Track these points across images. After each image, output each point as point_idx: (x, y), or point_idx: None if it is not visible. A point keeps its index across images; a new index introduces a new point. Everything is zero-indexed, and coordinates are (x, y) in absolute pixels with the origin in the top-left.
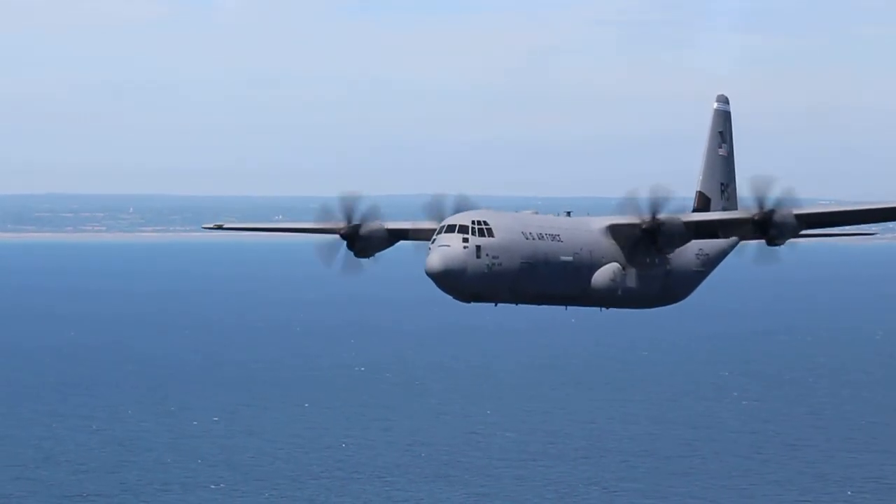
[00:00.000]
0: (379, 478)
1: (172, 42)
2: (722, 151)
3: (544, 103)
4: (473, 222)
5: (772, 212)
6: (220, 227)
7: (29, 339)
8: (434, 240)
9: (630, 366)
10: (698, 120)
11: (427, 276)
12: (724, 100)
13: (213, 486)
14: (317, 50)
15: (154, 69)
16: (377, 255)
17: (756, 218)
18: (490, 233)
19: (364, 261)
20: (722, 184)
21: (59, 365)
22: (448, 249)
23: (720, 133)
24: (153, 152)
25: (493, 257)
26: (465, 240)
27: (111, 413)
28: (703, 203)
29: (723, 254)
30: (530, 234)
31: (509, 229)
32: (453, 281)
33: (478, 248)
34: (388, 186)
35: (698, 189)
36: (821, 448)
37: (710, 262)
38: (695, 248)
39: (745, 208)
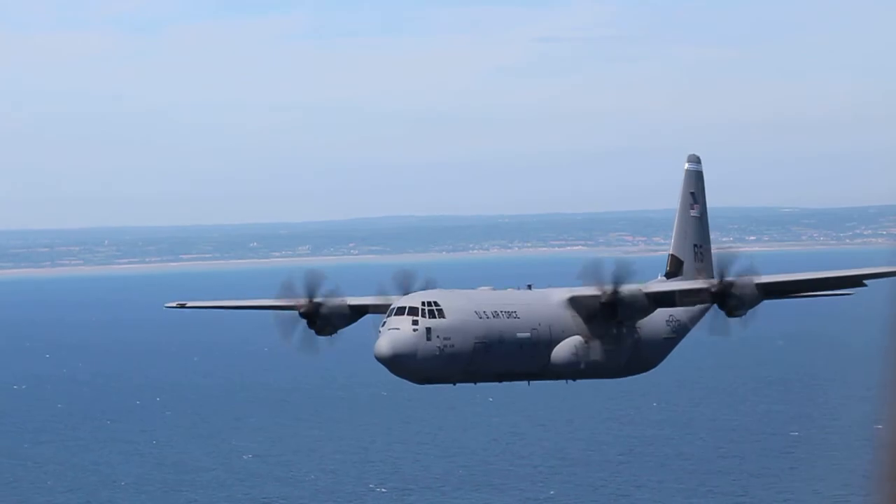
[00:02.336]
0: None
1: (129, 71)
2: (694, 212)
3: (495, 123)
4: (423, 303)
5: (730, 283)
6: (182, 306)
7: (41, 369)
8: (384, 322)
9: None
10: (653, 136)
11: (377, 361)
12: (695, 159)
13: (282, 502)
14: (272, 75)
15: (114, 99)
16: (339, 332)
17: (713, 290)
18: (441, 314)
19: (325, 338)
20: (695, 245)
21: (84, 393)
22: (397, 333)
23: (692, 194)
24: (121, 184)
25: (445, 339)
26: (415, 322)
27: (149, 437)
28: (675, 266)
29: (695, 319)
30: (484, 312)
31: (461, 309)
32: (403, 365)
33: (428, 330)
34: (359, 209)
35: (671, 252)
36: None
37: (682, 328)
38: (665, 314)
39: (707, 279)
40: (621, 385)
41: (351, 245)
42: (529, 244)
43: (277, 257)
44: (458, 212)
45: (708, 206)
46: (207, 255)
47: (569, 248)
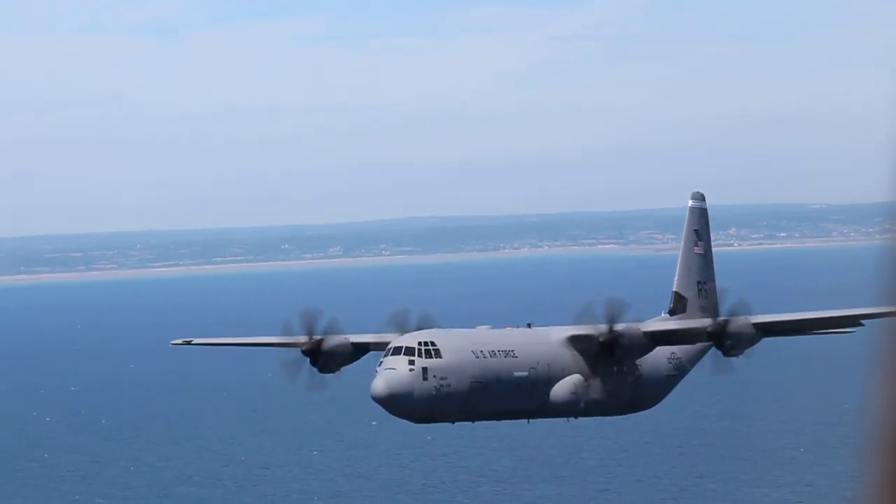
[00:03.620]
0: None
1: (154, 76)
2: (698, 249)
3: (518, 122)
4: (420, 343)
5: (726, 323)
6: (188, 343)
7: (95, 371)
8: (381, 362)
9: None
10: (679, 131)
11: (373, 401)
12: (699, 197)
13: (352, 495)
14: (295, 78)
15: (142, 103)
16: (342, 369)
17: (709, 329)
18: (437, 354)
19: (328, 376)
20: (699, 282)
21: (145, 393)
22: (393, 373)
23: (696, 231)
24: (150, 188)
25: (441, 378)
26: (411, 362)
27: (216, 434)
28: (679, 303)
29: (697, 357)
30: (481, 352)
31: (458, 349)
32: (399, 405)
33: (424, 370)
34: (385, 210)
35: (674, 289)
36: None
37: (684, 366)
38: (666, 351)
39: (710, 316)
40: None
41: (382, 246)
42: (559, 243)
43: (309, 259)
44: (484, 212)
45: (737, 202)
46: (239, 258)
47: (599, 246)
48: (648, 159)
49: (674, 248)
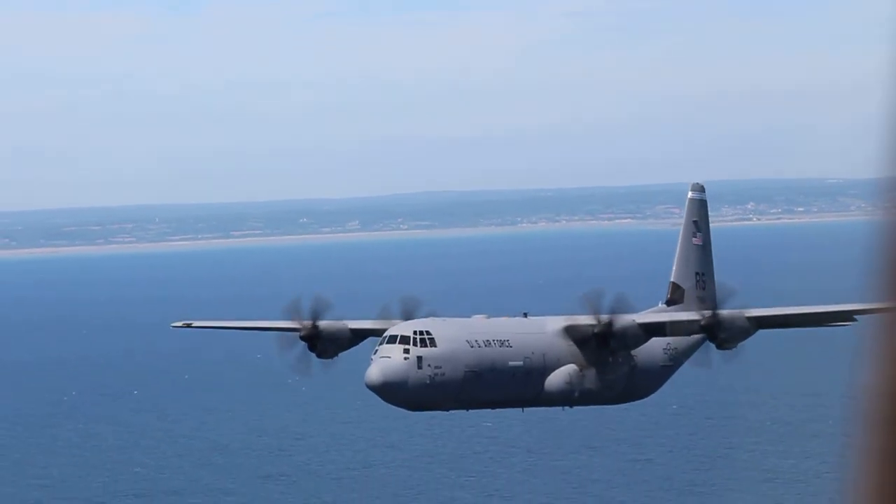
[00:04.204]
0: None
1: (170, 50)
2: (697, 240)
3: (534, 96)
4: (415, 332)
5: (719, 316)
6: (188, 326)
7: (123, 344)
8: (376, 350)
9: None
10: (696, 105)
11: (367, 389)
12: (699, 188)
13: (386, 464)
14: (312, 52)
15: (158, 77)
16: (340, 354)
17: (703, 323)
18: (432, 343)
19: (326, 361)
20: (697, 273)
21: (171, 367)
22: (388, 361)
23: (695, 222)
24: (167, 161)
25: (436, 368)
26: (406, 351)
27: (241, 406)
28: (676, 293)
29: (693, 347)
30: (476, 341)
31: (453, 339)
32: (394, 393)
33: (419, 358)
34: (401, 184)
35: (672, 279)
36: None
37: (679, 357)
38: (662, 342)
39: (708, 307)
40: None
41: (399, 220)
42: (577, 218)
43: (327, 233)
44: (501, 186)
45: (756, 177)
46: (258, 232)
47: (617, 221)
48: (665, 134)
49: None
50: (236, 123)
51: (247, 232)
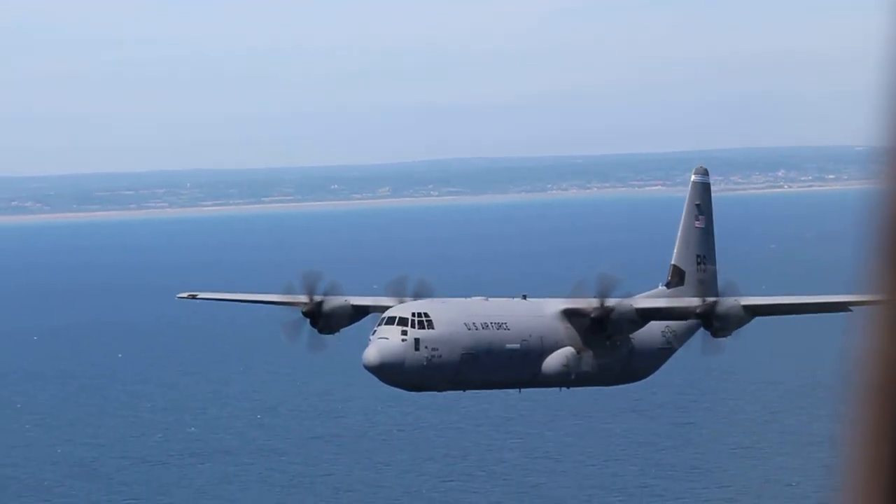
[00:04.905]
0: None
1: (203, 15)
2: (699, 223)
3: (559, 59)
4: (413, 314)
5: (715, 304)
6: (193, 297)
7: (163, 310)
8: (374, 331)
9: None
10: (722, 69)
11: (365, 369)
12: (703, 172)
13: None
14: (342, 18)
15: (189, 43)
16: (342, 331)
17: (698, 311)
18: (430, 325)
19: (328, 337)
20: (698, 255)
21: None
22: (386, 342)
23: (697, 205)
24: (199, 127)
25: (433, 349)
26: (404, 332)
27: (286, 369)
28: (677, 276)
29: (691, 330)
30: (473, 324)
31: (451, 321)
32: (391, 374)
33: (416, 340)
34: (429, 151)
35: (673, 262)
36: None
37: (677, 339)
38: (660, 325)
39: (709, 291)
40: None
41: (430, 187)
42: (608, 184)
43: (358, 199)
44: (531, 153)
45: (786, 145)
46: (288, 198)
47: (647, 188)
48: (696, 99)
49: (722, 189)
50: (269, 89)
51: (277, 198)
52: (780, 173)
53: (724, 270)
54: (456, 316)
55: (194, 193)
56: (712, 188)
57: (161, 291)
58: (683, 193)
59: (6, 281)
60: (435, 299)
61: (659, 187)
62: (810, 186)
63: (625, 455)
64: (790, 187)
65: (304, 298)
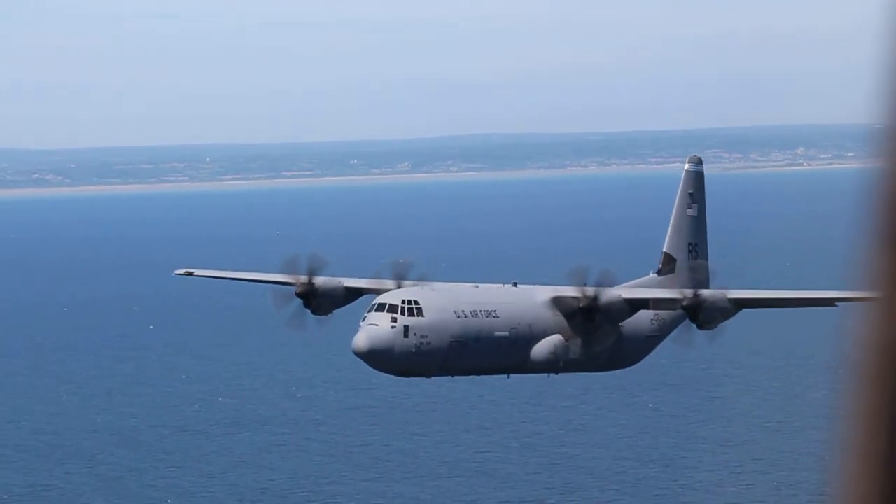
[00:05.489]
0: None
1: None
2: (691, 212)
3: (577, 33)
4: (403, 302)
5: (701, 296)
6: (189, 274)
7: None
8: (364, 317)
9: None
10: (745, 51)
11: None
12: (696, 160)
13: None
14: None
15: (213, 16)
16: (334, 311)
17: (684, 303)
18: (420, 312)
19: (321, 317)
20: (690, 244)
21: (239, 304)
22: (375, 329)
23: (690, 194)
24: (220, 101)
25: (422, 337)
26: (394, 319)
27: (317, 342)
28: (668, 263)
29: (680, 318)
30: (463, 311)
31: (440, 309)
32: (379, 360)
33: (406, 328)
34: (448, 126)
35: (665, 249)
36: None
37: (666, 327)
38: (650, 313)
39: (683, 290)
40: None
41: (449, 162)
42: (627, 161)
43: (377, 174)
44: (550, 129)
45: (805, 122)
46: (308, 172)
47: (666, 165)
48: (717, 76)
49: (741, 167)
50: (290, 63)
51: (297, 172)
52: (798, 151)
53: (738, 248)
54: (445, 303)
55: (214, 168)
56: (732, 167)
57: (182, 265)
58: (705, 170)
59: (30, 253)
60: (425, 286)
61: (678, 164)
62: (829, 164)
63: (658, 428)
64: (809, 165)
65: (298, 279)
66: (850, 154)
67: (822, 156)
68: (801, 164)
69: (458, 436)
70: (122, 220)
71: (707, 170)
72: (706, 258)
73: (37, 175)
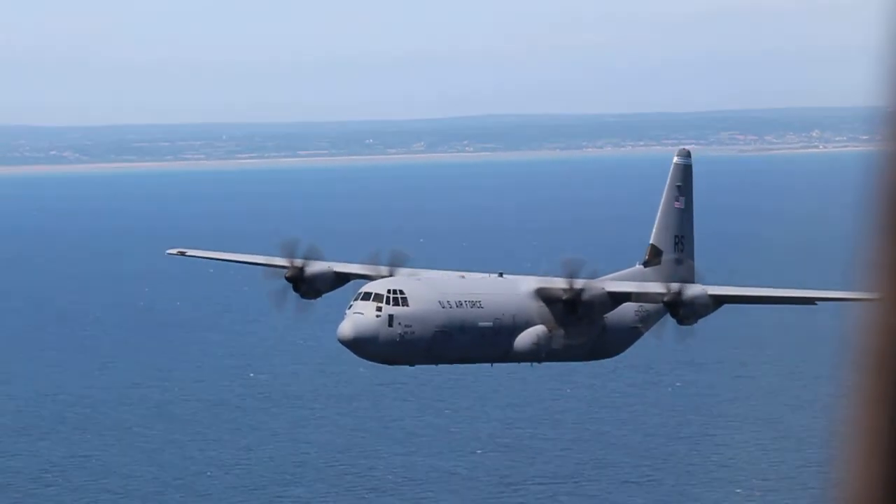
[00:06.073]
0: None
1: None
2: (678, 204)
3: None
4: (389, 291)
5: (682, 293)
6: (182, 254)
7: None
8: (350, 305)
9: None
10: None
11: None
12: (685, 154)
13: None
14: None
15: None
16: (324, 296)
17: (666, 299)
18: (405, 302)
19: (310, 301)
20: (676, 236)
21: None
22: (360, 317)
23: (678, 187)
24: (235, 80)
25: (406, 326)
26: (379, 309)
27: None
28: (654, 255)
29: (664, 310)
30: (448, 302)
31: (425, 299)
32: (364, 348)
33: (391, 317)
34: (465, 107)
35: (651, 241)
36: None
37: (650, 319)
38: (634, 304)
39: (665, 284)
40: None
41: (465, 143)
42: (642, 143)
43: (393, 154)
44: (566, 110)
45: (820, 105)
46: (323, 152)
47: (681, 147)
48: (732, 57)
49: (756, 149)
50: (303, 41)
51: (313, 151)
52: (814, 133)
53: (750, 230)
54: (431, 294)
55: (230, 146)
56: (748, 149)
57: (200, 243)
58: (718, 152)
59: (53, 228)
60: (412, 276)
61: (693, 146)
62: (845, 146)
63: (686, 406)
64: (825, 147)
65: (288, 262)
66: (866, 137)
67: (837, 139)
68: (816, 147)
69: (489, 412)
70: (140, 196)
71: (722, 152)
72: (692, 251)
73: (54, 152)
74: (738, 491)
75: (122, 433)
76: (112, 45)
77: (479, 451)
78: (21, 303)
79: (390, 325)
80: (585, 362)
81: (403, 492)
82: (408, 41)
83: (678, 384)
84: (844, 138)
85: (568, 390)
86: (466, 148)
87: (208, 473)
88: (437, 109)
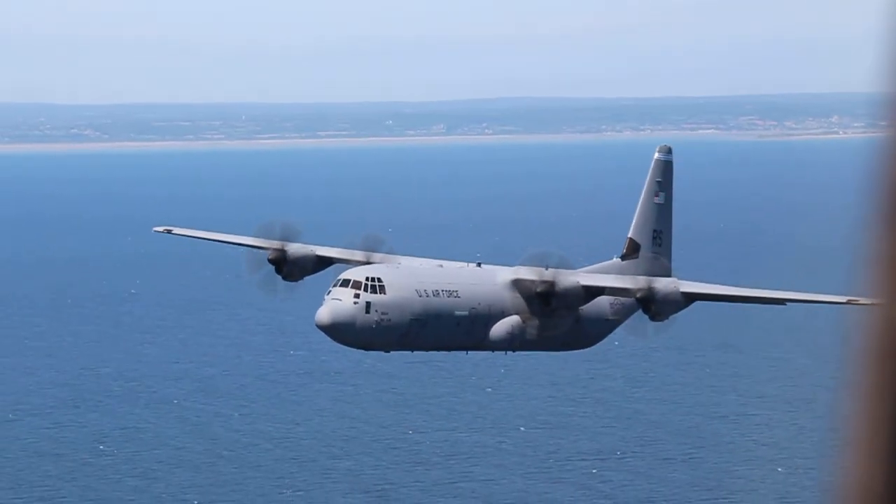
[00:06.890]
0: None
1: None
2: (658, 199)
3: None
4: (367, 279)
5: (654, 289)
6: (168, 232)
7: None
8: (329, 291)
9: None
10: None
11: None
12: (666, 150)
13: None
14: None
15: None
16: (305, 278)
17: (638, 295)
18: (382, 290)
19: (292, 283)
20: (655, 230)
21: None
22: (338, 304)
23: (658, 182)
24: (255, 59)
25: (382, 314)
26: (357, 295)
27: None
28: (632, 249)
29: (636, 305)
30: (424, 290)
31: (402, 287)
32: (341, 334)
33: (368, 304)
34: (485, 90)
35: (629, 235)
36: None
37: (625, 311)
38: (610, 297)
39: (637, 278)
40: None
41: (484, 125)
42: (661, 127)
43: (412, 135)
44: (585, 94)
45: (839, 91)
46: (343, 133)
47: (700, 131)
48: (752, 41)
49: (775, 134)
50: (328, 21)
51: (333, 133)
52: (833, 119)
53: (762, 216)
54: (408, 282)
55: (250, 126)
56: (767, 134)
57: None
58: (737, 137)
59: (74, 207)
60: (391, 264)
61: (712, 131)
62: (864, 132)
63: (722, 386)
64: (844, 133)
65: (271, 244)
66: (885, 123)
67: (856, 125)
68: (836, 133)
69: (529, 390)
70: (160, 178)
71: (742, 137)
72: (670, 246)
73: (74, 130)
74: (780, 470)
75: (170, 406)
76: (134, 24)
77: (522, 428)
78: (57, 278)
79: (367, 311)
80: (569, 351)
81: (451, 465)
82: (429, 23)
83: (712, 364)
84: (863, 124)
85: (606, 370)
86: (486, 131)
87: (259, 445)
88: (457, 92)
